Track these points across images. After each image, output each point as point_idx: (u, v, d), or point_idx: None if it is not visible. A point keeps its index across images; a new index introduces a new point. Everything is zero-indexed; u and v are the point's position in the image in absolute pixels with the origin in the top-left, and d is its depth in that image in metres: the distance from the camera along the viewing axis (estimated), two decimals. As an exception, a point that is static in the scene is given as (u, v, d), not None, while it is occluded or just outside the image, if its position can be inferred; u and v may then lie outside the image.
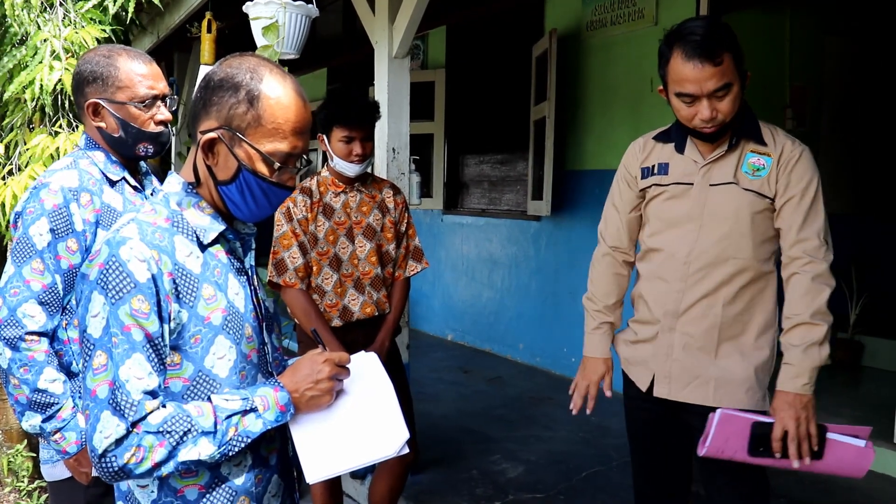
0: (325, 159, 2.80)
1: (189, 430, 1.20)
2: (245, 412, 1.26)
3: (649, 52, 4.81)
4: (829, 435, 1.85)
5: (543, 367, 5.76)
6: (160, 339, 1.21)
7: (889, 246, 5.75)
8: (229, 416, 1.24)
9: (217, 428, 1.22)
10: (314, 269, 2.72)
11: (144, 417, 1.18)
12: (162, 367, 1.23)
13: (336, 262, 2.73)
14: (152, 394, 1.20)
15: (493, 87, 6.49)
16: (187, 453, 1.20)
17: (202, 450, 1.21)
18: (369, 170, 2.85)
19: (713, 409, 1.94)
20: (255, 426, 1.26)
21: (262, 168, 1.29)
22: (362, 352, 1.56)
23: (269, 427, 1.28)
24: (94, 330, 1.19)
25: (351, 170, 2.70)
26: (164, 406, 1.21)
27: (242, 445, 1.26)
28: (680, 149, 2.05)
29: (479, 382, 5.45)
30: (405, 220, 2.90)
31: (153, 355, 1.20)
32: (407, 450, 1.43)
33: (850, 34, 5.62)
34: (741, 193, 1.95)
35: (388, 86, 3.54)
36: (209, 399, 1.26)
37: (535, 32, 5.66)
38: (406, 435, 1.43)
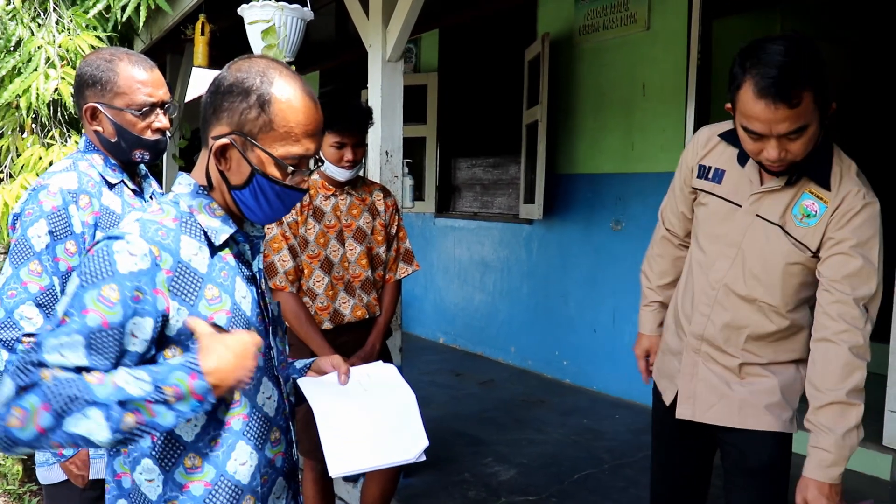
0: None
1: (76, 397, 1.05)
2: (153, 401, 1.10)
3: (641, 57, 4.87)
4: None
5: (535, 371, 5.77)
6: (119, 329, 1.13)
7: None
8: (129, 402, 1.08)
9: (110, 403, 1.07)
10: (305, 272, 2.71)
11: (42, 364, 1.07)
12: (110, 357, 1.13)
13: (327, 264, 2.73)
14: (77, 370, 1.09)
15: (486, 90, 6.50)
16: (76, 424, 1.05)
17: (93, 429, 1.05)
18: (361, 173, 2.86)
19: (740, 430, 1.89)
20: (164, 419, 1.11)
21: (275, 172, 1.28)
22: (380, 361, 1.62)
23: (184, 419, 1.14)
24: (60, 308, 1.14)
25: (341, 175, 2.71)
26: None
27: (147, 435, 1.12)
28: (742, 160, 1.86)
29: (471, 385, 5.46)
30: (395, 223, 2.90)
31: (101, 344, 1.12)
32: (424, 457, 1.48)
33: (842, 41, 5.66)
34: (781, 240, 1.78)
35: (382, 89, 3.54)
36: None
37: (528, 36, 5.68)
38: (426, 443, 1.49)
